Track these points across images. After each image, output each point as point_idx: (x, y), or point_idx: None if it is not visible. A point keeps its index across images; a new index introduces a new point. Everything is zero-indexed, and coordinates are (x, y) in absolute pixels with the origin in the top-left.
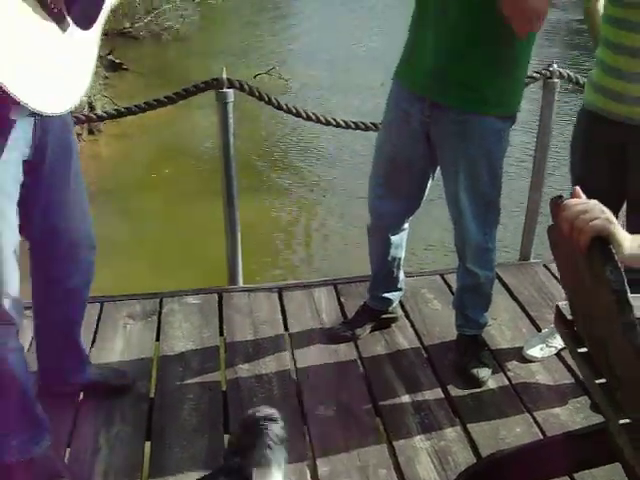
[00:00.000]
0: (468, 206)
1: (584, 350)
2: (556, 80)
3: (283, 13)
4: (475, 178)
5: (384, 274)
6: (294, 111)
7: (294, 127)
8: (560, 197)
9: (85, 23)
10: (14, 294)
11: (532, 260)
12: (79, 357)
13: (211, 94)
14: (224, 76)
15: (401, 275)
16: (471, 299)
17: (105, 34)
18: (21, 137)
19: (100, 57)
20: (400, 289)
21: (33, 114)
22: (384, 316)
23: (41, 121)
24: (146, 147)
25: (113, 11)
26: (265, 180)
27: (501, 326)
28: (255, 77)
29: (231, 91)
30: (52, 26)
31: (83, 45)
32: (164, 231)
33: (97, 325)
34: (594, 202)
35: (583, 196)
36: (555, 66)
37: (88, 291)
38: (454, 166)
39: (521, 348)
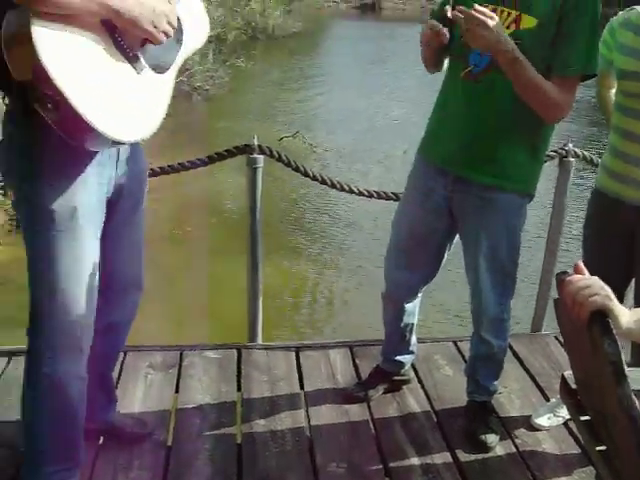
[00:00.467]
0: (487, 277)
1: (586, 418)
2: (571, 159)
3: (310, 76)
4: (495, 251)
5: (397, 338)
6: (319, 179)
7: (319, 192)
8: (565, 272)
9: (159, 69)
10: (87, 321)
11: (544, 331)
12: (109, 395)
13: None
14: (255, 142)
15: (413, 339)
16: (483, 367)
17: None
18: (107, 173)
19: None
20: (412, 352)
21: (116, 155)
22: (396, 378)
23: (122, 162)
24: (172, 202)
25: None
26: (287, 241)
27: (511, 394)
28: (281, 140)
29: (261, 157)
30: (127, 67)
31: (157, 85)
32: (187, 286)
33: (120, 373)
34: (595, 279)
35: (586, 272)
36: (570, 145)
37: (129, 328)
38: (475, 239)
39: (529, 416)
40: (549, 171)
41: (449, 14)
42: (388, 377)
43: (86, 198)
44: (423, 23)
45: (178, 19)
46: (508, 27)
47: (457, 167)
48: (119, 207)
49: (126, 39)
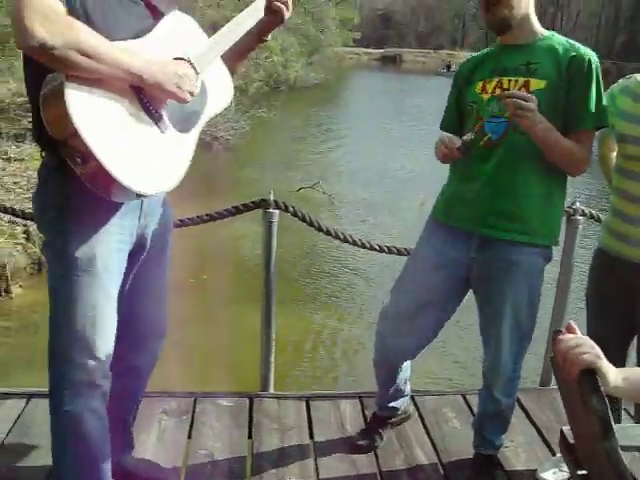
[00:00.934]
0: (507, 339)
1: (583, 473)
2: (579, 217)
3: (330, 127)
4: (518, 313)
5: (391, 392)
6: (333, 233)
7: (333, 244)
8: (559, 331)
9: (182, 128)
10: (104, 361)
11: (552, 386)
12: (126, 437)
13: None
14: (271, 197)
15: (407, 387)
16: (491, 423)
17: None
18: (128, 224)
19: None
20: (406, 396)
21: (140, 207)
22: (394, 420)
23: (145, 213)
24: (189, 250)
25: None
26: (301, 291)
27: (517, 448)
28: (299, 190)
29: (277, 212)
30: (152, 126)
31: (180, 143)
32: (204, 333)
33: (134, 418)
34: (585, 338)
35: (578, 331)
36: (578, 204)
37: (150, 373)
38: (498, 302)
39: (535, 470)
40: None
41: (469, 137)
42: (385, 421)
43: (107, 247)
44: (440, 75)
45: (202, 83)
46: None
47: (483, 228)
48: (143, 255)
49: (151, 100)
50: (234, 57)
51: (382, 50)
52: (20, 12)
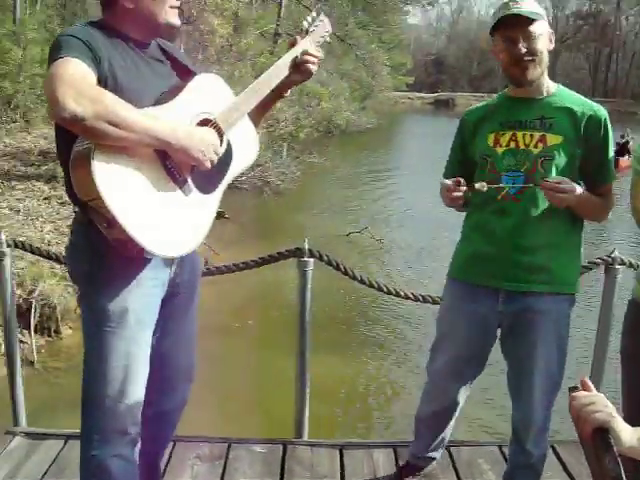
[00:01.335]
0: (539, 389)
1: None
2: (617, 267)
3: (381, 173)
4: (549, 363)
5: (432, 443)
6: (367, 282)
7: (372, 292)
8: (575, 387)
9: (206, 190)
10: (134, 409)
11: None
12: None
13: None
14: (306, 246)
15: (447, 438)
16: (522, 475)
17: None
18: (161, 275)
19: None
20: (444, 446)
21: (170, 259)
22: (427, 470)
23: (176, 264)
24: (235, 293)
25: None
26: (337, 338)
27: None
28: (348, 235)
29: (311, 260)
30: (175, 190)
31: (203, 205)
32: (239, 378)
33: (167, 462)
34: (600, 396)
35: (593, 388)
36: (616, 252)
37: (178, 418)
38: (529, 354)
39: None
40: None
41: (480, 188)
42: (420, 470)
43: (139, 300)
44: None
45: (229, 143)
46: (536, 146)
47: (508, 282)
48: (173, 303)
49: (176, 165)
50: (256, 112)
51: (435, 94)
52: (53, 85)
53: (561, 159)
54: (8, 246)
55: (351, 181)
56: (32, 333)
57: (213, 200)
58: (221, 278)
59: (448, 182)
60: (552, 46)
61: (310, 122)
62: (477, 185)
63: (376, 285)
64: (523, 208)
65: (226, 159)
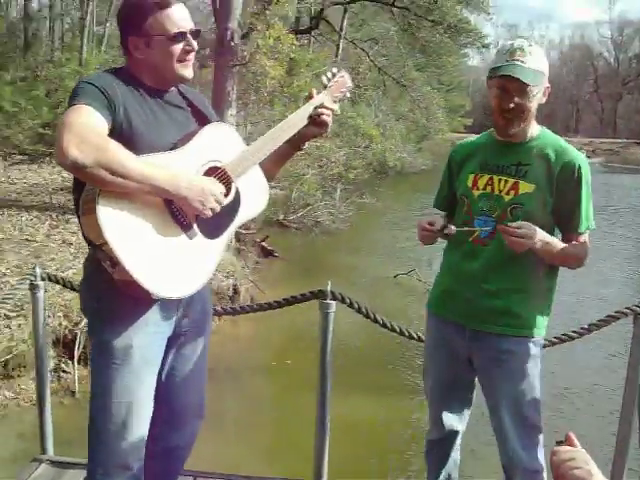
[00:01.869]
0: (511, 429)
1: None
2: None
3: (431, 214)
4: (517, 402)
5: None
6: (389, 326)
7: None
8: (560, 442)
9: (211, 235)
10: (137, 445)
11: None
12: None
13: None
14: (328, 288)
15: (456, 474)
16: None
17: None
18: (167, 315)
19: (254, 243)
20: None
21: (177, 299)
22: None
23: (185, 303)
24: (278, 332)
25: (271, 203)
26: (360, 380)
27: None
28: (395, 277)
29: (333, 303)
30: (180, 234)
31: (206, 249)
32: (266, 416)
33: None
34: (581, 452)
35: (577, 444)
36: None
37: (187, 453)
38: (496, 392)
39: None
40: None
41: (449, 232)
42: None
43: (144, 338)
44: None
45: (237, 191)
46: (507, 193)
47: (473, 322)
48: (182, 341)
49: (181, 211)
50: (273, 162)
51: None
52: (60, 132)
53: (531, 207)
54: (42, 279)
55: (401, 222)
56: (75, 364)
57: (218, 245)
58: (263, 315)
59: (423, 222)
60: (545, 99)
61: (360, 163)
62: (446, 230)
63: (398, 329)
64: (490, 252)
65: (234, 206)
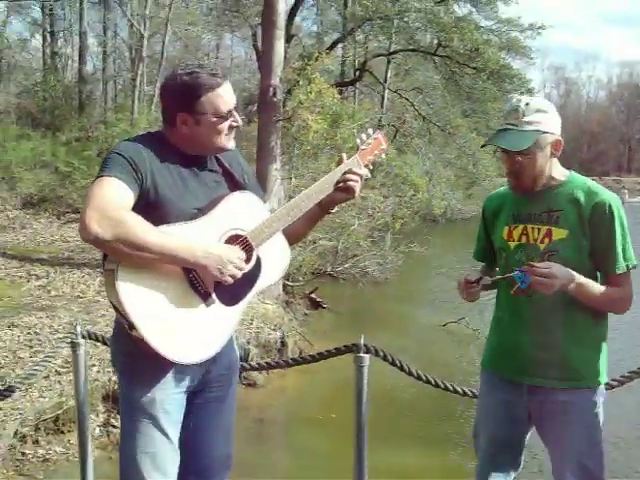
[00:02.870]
0: None
1: None
2: None
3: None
4: (579, 455)
5: None
6: (424, 378)
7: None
8: None
9: (230, 302)
10: None
11: None
12: None
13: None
14: (361, 342)
15: None
16: None
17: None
18: (189, 371)
19: (303, 295)
20: None
21: None
22: None
23: (207, 360)
24: (325, 385)
25: (320, 254)
26: (396, 431)
27: None
28: (445, 325)
29: (367, 356)
30: (197, 301)
31: (223, 316)
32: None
33: None
34: None
35: None
36: None
37: None
38: (557, 445)
39: None
40: None
41: (485, 282)
42: None
43: (166, 393)
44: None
45: (258, 257)
46: (542, 241)
47: (528, 377)
48: (207, 397)
49: (200, 278)
50: (303, 224)
51: None
52: (85, 208)
53: (567, 253)
54: (83, 337)
55: (451, 271)
56: None
57: (235, 312)
58: (311, 367)
59: (461, 280)
60: (558, 153)
61: (407, 212)
62: (482, 281)
63: (433, 382)
64: (535, 303)
65: (254, 274)
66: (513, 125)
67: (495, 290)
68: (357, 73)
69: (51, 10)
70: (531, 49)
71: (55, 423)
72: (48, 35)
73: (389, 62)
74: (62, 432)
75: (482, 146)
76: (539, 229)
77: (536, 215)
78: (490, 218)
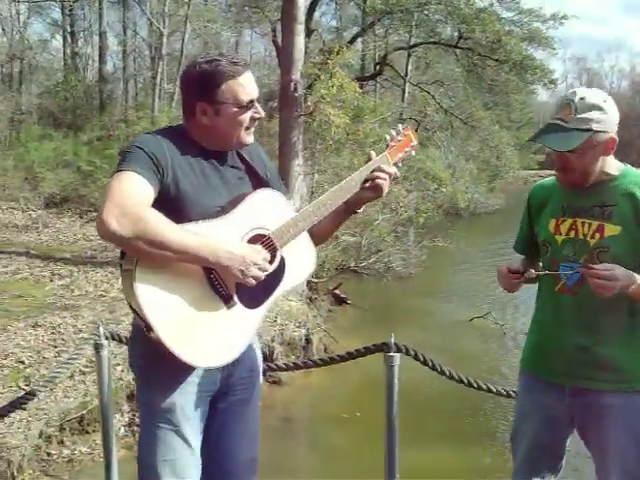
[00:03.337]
0: None
1: None
2: None
3: (504, 256)
4: (624, 459)
5: None
6: (457, 378)
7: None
8: None
9: (252, 305)
10: None
11: None
12: None
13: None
14: (392, 340)
15: None
16: None
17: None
18: (210, 374)
19: (326, 291)
20: None
21: None
22: None
23: (231, 362)
24: (351, 382)
25: (343, 249)
26: (428, 430)
27: None
28: (471, 320)
29: (398, 355)
30: (218, 303)
31: (245, 319)
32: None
33: None
34: None
35: None
36: None
37: None
38: (601, 450)
39: None
40: None
41: (528, 275)
42: None
43: (186, 398)
44: None
45: (282, 259)
46: (592, 237)
47: (571, 379)
48: (230, 400)
49: (220, 279)
50: (329, 222)
51: None
52: (103, 203)
53: (619, 250)
54: (106, 338)
55: (475, 265)
56: None
57: (257, 314)
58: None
59: (503, 268)
60: (612, 152)
61: (430, 206)
62: (526, 274)
63: (466, 381)
64: (581, 301)
65: (277, 275)
66: (563, 121)
67: (535, 284)
68: (377, 67)
69: (71, 10)
70: (553, 39)
71: (80, 423)
72: (68, 35)
73: (409, 55)
74: (87, 432)
75: (527, 141)
76: (590, 224)
77: (587, 209)
78: (536, 209)
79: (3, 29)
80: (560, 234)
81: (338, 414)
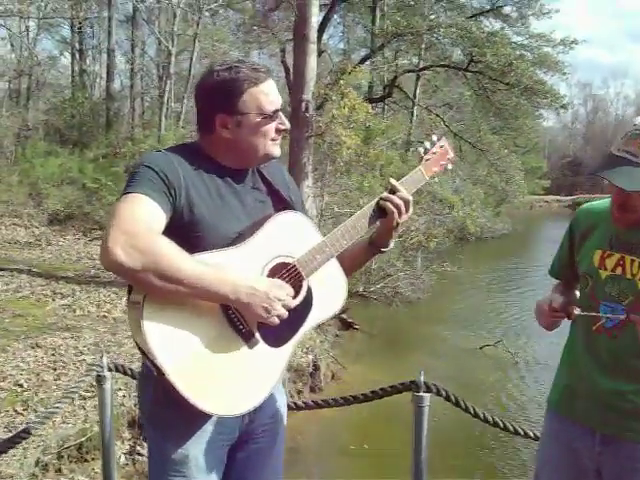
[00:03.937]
0: None
1: None
2: None
3: (516, 281)
4: None
5: None
6: (491, 421)
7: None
8: None
9: (276, 343)
10: None
11: None
12: None
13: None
14: (421, 379)
15: None
16: None
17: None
18: (229, 422)
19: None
20: None
21: None
22: None
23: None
24: (360, 411)
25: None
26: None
27: None
28: (481, 348)
29: (427, 396)
30: (239, 343)
31: (269, 359)
32: None
33: None
34: None
35: None
36: None
37: None
38: None
39: None
40: None
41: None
42: None
43: (202, 448)
44: None
45: (309, 290)
46: None
47: (603, 426)
48: (251, 449)
49: (240, 318)
50: (347, 260)
51: (572, 197)
52: (108, 229)
53: None
54: (109, 370)
55: (484, 290)
56: None
57: (283, 353)
58: (353, 390)
59: (544, 305)
60: None
61: (441, 231)
62: (572, 315)
63: (491, 421)
64: (620, 346)
65: (304, 308)
66: (632, 155)
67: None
68: (386, 89)
69: (80, 29)
70: (564, 64)
71: (79, 451)
72: (77, 53)
73: (418, 78)
74: (86, 460)
75: (589, 174)
76: None
77: (638, 246)
78: (580, 235)
79: (12, 45)
80: (605, 269)
81: (346, 445)
